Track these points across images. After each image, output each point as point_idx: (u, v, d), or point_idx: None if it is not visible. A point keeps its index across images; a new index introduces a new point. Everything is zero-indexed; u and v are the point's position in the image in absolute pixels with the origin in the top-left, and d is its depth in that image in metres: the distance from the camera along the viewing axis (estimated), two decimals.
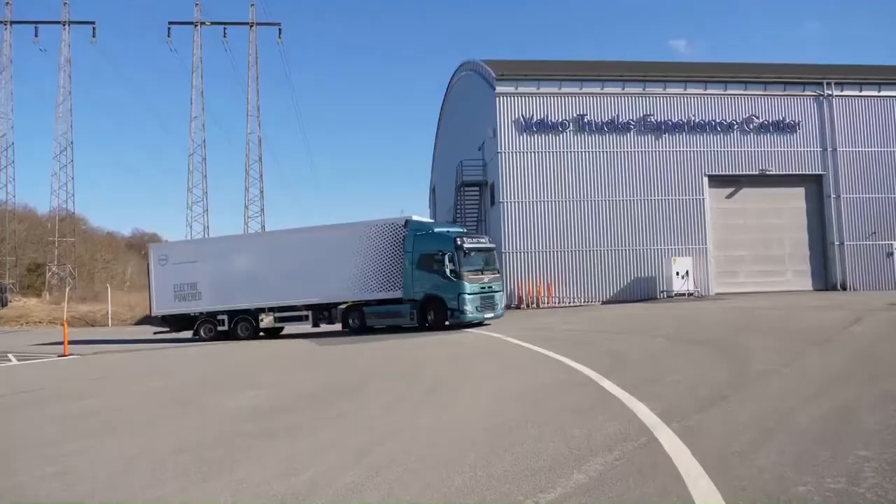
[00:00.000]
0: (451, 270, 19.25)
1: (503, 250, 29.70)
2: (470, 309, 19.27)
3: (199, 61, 55.74)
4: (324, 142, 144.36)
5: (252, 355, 16.84)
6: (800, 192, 32.05)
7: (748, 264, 31.49)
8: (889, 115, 32.19)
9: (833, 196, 31.58)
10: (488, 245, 21.27)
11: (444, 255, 19.38)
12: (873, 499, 4.19)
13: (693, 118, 31.05)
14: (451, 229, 21.83)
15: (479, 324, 19.82)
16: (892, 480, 4.48)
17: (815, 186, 31.99)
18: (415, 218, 21.28)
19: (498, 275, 21.16)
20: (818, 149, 31.76)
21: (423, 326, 19.91)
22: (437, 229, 21.36)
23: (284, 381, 11.59)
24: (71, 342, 19.01)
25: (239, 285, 21.64)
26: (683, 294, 28.74)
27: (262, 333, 21.95)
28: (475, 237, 21.73)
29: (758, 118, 31.38)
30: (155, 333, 22.88)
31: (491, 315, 20.01)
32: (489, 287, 20.13)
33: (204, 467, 5.81)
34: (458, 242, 19.50)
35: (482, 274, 20.00)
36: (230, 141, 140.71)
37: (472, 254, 19.92)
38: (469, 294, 19.28)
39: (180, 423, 7.87)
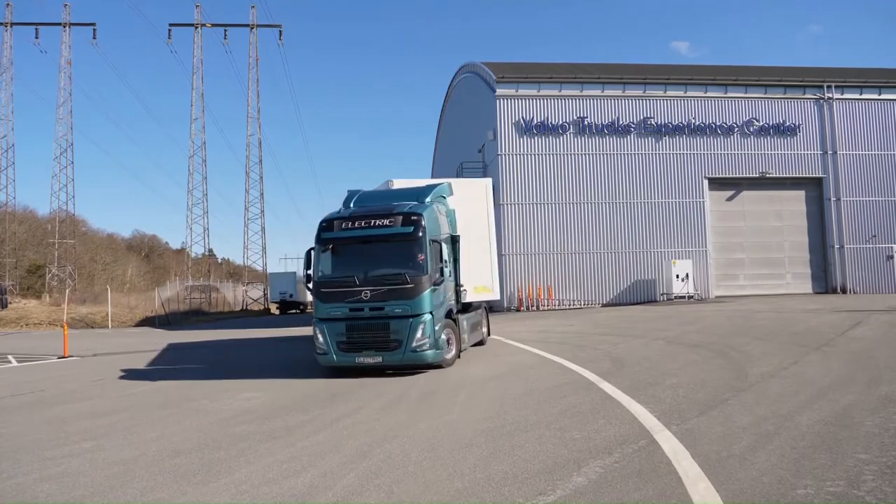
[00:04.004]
0: (307, 280, 11.90)
1: (503, 252, 29.72)
2: (323, 347, 11.09)
3: (200, 63, 55.88)
4: (324, 143, 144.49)
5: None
6: (800, 194, 32.07)
7: (748, 267, 31.49)
8: (889, 118, 32.21)
9: (833, 199, 31.59)
10: (387, 224, 11.18)
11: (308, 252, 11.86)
12: (873, 502, 4.19)
13: (693, 121, 31.07)
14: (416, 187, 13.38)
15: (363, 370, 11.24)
16: (891, 483, 4.48)
17: (815, 189, 32.00)
18: (395, 184, 14.22)
19: (418, 280, 10.84)
20: (818, 152, 31.78)
21: None
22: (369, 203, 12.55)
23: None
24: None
25: None
26: (683, 297, 28.73)
27: None
28: (366, 209, 11.93)
29: (758, 121, 31.40)
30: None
31: (372, 360, 10.87)
32: (376, 308, 10.87)
33: (203, 469, 5.80)
34: (323, 225, 11.51)
35: (360, 284, 10.90)
36: (230, 143, 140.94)
37: (344, 246, 11.45)
38: (322, 321, 11.17)
39: (179, 425, 7.86)
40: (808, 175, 31.66)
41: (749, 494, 4.41)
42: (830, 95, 31.88)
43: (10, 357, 18.79)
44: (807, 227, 31.93)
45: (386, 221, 11.21)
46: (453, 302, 12.37)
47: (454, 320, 12.07)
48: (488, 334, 15.83)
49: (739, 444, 5.61)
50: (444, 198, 13.11)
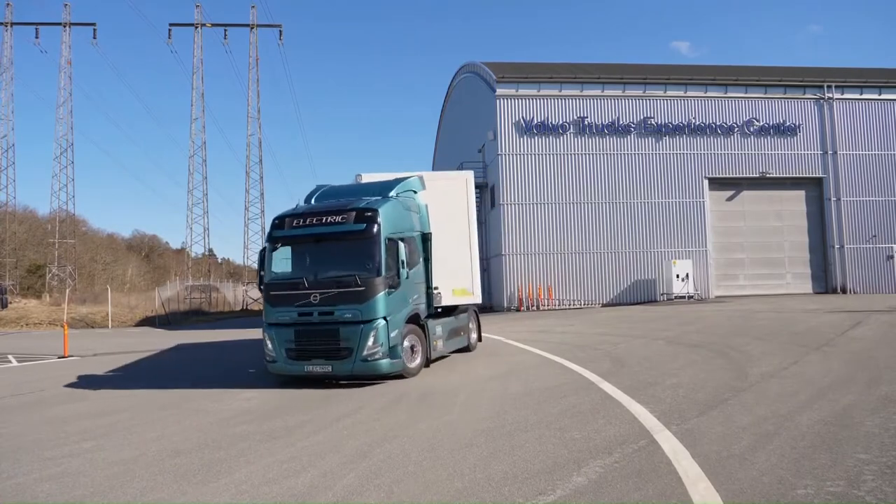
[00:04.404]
0: (259, 282, 11.09)
1: (503, 252, 29.72)
2: (272, 354, 10.47)
3: (200, 63, 55.87)
4: (324, 143, 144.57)
5: None
6: (800, 194, 32.08)
7: (748, 267, 31.50)
8: (889, 117, 32.22)
9: (833, 199, 31.59)
10: (340, 221, 10.31)
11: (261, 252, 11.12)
12: (873, 502, 4.19)
13: (693, 121, 31.08)
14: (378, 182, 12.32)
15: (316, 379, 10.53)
16: (891, 483, 4.48)
17: (815, 189, 32.00)
18: (365, 178, 13.16)
19: (370, 282, 9.97)
20: (818, 152, 31.78)
21: None
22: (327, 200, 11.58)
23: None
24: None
25: None
26: (683, 297, 28.73)
27: None
28: (322, 205, 11.15)
29: (758, 121, 31.41)
30: None
31: (321, 370, 10.08)
32: (325, 313, 10.08)
33: (203, 469, 5.81)
34: (275, 223, 10.86)
35: (310, 286, 10.12)
36: (230, 143, 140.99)
37: (295, 245, 10.73)
38: (271, 326, 10.50)
39: (179, 426, 7.86)
40: (808, 175, 31.67)
41: (749, 494, 4.41)
42: (830, 95, 31.89)
43: (10, 357, 18.80)
44: (807, 227, 31.94)
45: (338, 218, 10.31)
46: (423, 305, 11.48)
47: (422, 326, 11.15)
48: (479, 339, 14.73)
49: (739, 444, 5.61)
50: (415, 192, 12.12)
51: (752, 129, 31.37)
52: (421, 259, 11.54)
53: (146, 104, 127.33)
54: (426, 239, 11.82)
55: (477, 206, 37.53)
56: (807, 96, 31.98)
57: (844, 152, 31.74)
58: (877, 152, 31.97)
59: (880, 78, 33.36)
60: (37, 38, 52.87)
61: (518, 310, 28.90)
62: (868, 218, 31.60)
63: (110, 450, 6.74)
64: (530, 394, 8.65)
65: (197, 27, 55.69)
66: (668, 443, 5.75)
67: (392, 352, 10.11)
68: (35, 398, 10.80)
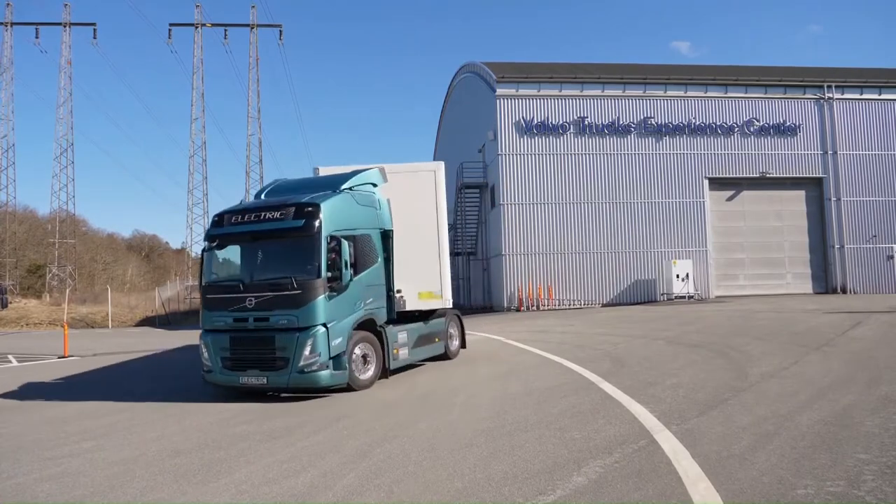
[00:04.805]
0: (200, 284, 10.36)
1: (503, 252, 29.72)
2: (208, 363, 9.68)
3: (200, 63, 55.84)
4: (324, 143, 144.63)
5: None
6: (800, 194, 32.07)
7: (748, 267, 31.49)
8: (890, 117, 32.20)
9: (833, 199, 31.58)
10: (278, 218, 9.48)
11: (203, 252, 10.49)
12: (873, 502, 4.18)
13: (694, 120, 31.07)
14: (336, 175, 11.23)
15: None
16: (892, 483, 4.48)
17: (815, 189, 32.00)
18: (322, 171, 12.44)
19: (308, 285, 9.13)
20: (819, 152, 31.77)
21: None
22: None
23: None
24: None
25: None
26: (683, 297, 28.72)
27: None
28: (264, 200, 10.55)
29: (758, 121, 31.40)
30: None
31: (257, 382, 9.24)
32: (261, 319, 9.30)
33: (203, 469, 5.81)
34: (214, 220, 10.19)
35: (245, 289, 9.39)
36: (231, 143, 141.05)
37: (232, 244, 10.07)
38: (207, 333, 9.78)
39: (179, 426, 7.86)
40: (808, 175, 31.66)
41: (749, 494, 4.41)
42: (830, 95, 31.88)
43: (10, 357, 18.81)
44: (807, 227, 31.93)
45: (277, 214, 9.46)
46: (381, 310, 10.44)
47: (378, 333, 10.19)
48: (462, 346, 13.55)
49: (739, 444, 5.61)
50: (375, 185, 11.04)
51: (752, 129, 31.37)
52: (380, 259, 10.53)
53: (146, 104, 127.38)
54: (387, 237, 10.81)
55: (476, 207, 37.71)
56: (807, 96, 31.97)
57: (844, 152, 31.74)
58: (877, 152, 31.97)
59: (880, 78, 33.35)
60: (37, 38, 52.89)
61: (518, 310, 28.90)
62: (868, 218, 31.60)
63: (110, 450, 6.74)
64: (530, 394, 8.65)
65: (197, 27, 55.67)
66: (668, 443, 5.75)
67: (335, 362, 9.17)
68: (35, 398, 10.79)
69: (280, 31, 58.56)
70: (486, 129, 31.84)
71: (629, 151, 30.73)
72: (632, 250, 30.23)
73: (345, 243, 9.37)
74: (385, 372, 10.24)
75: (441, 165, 12.58)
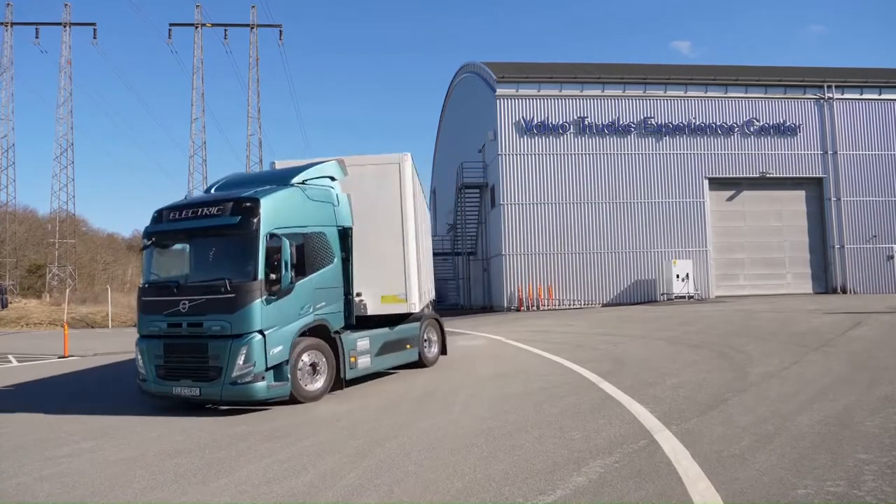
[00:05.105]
0: None
1: (503, 252, 29.72)
2: (143, 371, 8.99)
3: (200, 63, 55.78)
4: (324, 143, 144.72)
5: None
6: (800, 194, 32.07)
7: (748, 267, 31.50)
8: (890, 117, 32.21)
9: (833, 199, 31.59)
10: (215, 214, 8.79)
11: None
12: (873, 502, 4.19)
13: (694, 120, 31.07)
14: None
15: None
16: (892, 484, 4.48)
17: (815, 189, 32.00)
18: (278, 165, 11.58)
19: (242, 288, 8.38)
20: (819, 152, 31.78)
21: None
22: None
23: None
24: None
25: None
26: (683, 297, 28.73)
27: None
28: (202, 197, 9.77)
29: (758, 121, 31.40)
30: None
31: (190, 393, 8.56)
32: (194, 325, 8.59)
33: (203, 469, 5.81)
34: (154, 216, 9.43)
35: (180, 292, 8.68)
36: (231, 143, 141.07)
37: (170, 243, 9.45)
38: (143, 339, 9.08)
39: (179, 425, 7.86)
40: (808, 175, 31.66)
41: (749, 494, 4.41)
42: (831, 95, 31.88)
43: (10, 357, 18.80)
44: (807, 227, 31.94)
45: (214, 210, 8.73)
46: (336, 314, 9.61)
47: (333, 340, 9.36)
48: (441, 352, 12.61)
49: (739, 444, 5.61)
50: (333, 179, 10.19)
51: (752, 129, 31.37)
52: (336, 259, 9.67)
53: (146, 104, 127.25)
54: (345, 235, 9.95)
55: (476, 207, 37.67)
56: (807, 96, 31.98)
57: (844, 152, 31.74)
58: (877, 152, 31.97)
59: (880, 78, 33.35)
60: (37, 38, 52.80)
61: (518, 310, 28.90)
62: (868, 218, 31.60)
63: (110, 450, 6.74)
64: (530, 394, 8.65)
65: (197, 27, 55.64)
66: (669, 443, 5.75)
67: (276, 372, 8.45)
68: (35, 398, 10.79)
69: (280, 31, 58.58)
70: (486, 129, 31.85)
71: (629, 151, 30.73)
72: (632, 250, 30.24)
73: (285, 242, 8.52)
74: (340, 382, 9.40)
75: (407, 157, 11.11)
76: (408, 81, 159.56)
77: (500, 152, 30.16)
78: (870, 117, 32.16)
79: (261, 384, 8.26)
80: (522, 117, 30.21)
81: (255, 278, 8.32)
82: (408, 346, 11.39)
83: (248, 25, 57.38)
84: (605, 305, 29.59)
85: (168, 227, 9.11)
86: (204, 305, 8.42)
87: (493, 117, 30.44)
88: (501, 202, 30.09)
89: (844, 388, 7.89)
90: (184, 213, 9.01)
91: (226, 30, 56.92)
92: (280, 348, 8.46)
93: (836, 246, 31.36)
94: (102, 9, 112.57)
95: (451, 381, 10.31)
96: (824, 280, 31.68)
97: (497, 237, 30.80)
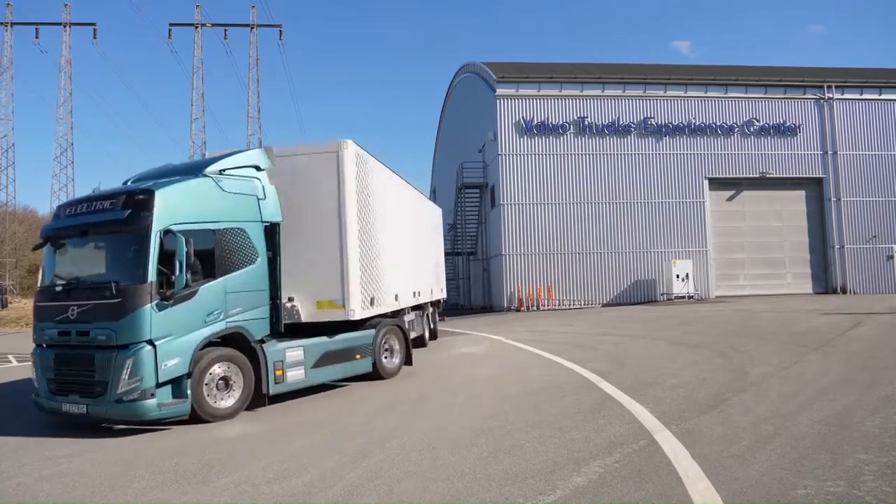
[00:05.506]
0: None
1: (503, 252, 29.72)
2: (36, 384, 8.19)
3: (200, 63, 55.81)
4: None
5: None
6: (800, 195, 32.08)
7: (748, 267, 31.50)
8: (890, 118, 32.22)
9: (833, 199, 31.59)
10: (106, 209, 7.84)
11: None
12: (873, 502, 4.19)
13: (694, 121, 31.08)
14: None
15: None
16: (892, 484, 4.48)
17: (815, 189, 32.01)
18: (209, 156, 10.87)
19: (129, 292, 7.36)
20: (819, 152, 31.78)
21: None
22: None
23: None
24: None
25: None
26: (683, 297, 28.73)
27: None
28: (101, 192, 8.50)
29: (758, 121, 31.40)
30: None
31: (77, 410, 7.56)
32: (83, 333, 7.62)
33: (203, 469, 5.80)
34: (55, 213, 8.86)
35: (70, 297, 7.83)
36: (231, 143, 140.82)
37: (64, 242, 8.39)
38: (37, 348, 8.26)
39: (179, 424, 7.85)
40: (808, 175, 31.67)
41: (749, 494, 4.41)
42: (831, 95, 31.88)
43: (10, 357, 18.80)
44: (807, 227, 31.95)
45: (106, 204, 7.78)
46: (259, 321, 8.61)
47: (254, 350, 8.36)
48: (405, 363, 11.38)
49: (739, 444, 5.61)
50: (258, 169, 9.09)
51: (752, 130, 31.37)
52: (259, 259, 8.63)
53: (146, 104, 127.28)
54: (272, 232, 8.99)
55: (476, 207, 37.68)
56: (807, 96, 31.98)
57: (844, 152, 31.74)
58: (877, 152, 31.97)
59: (880, 78, 33.35)
60: (37, 38, 52.82)
61: (518, 310, 28.90)
62: (868, 218, 31.60)
63: (110, 450, 6.74)
64: (530, 394, 8.65)
65: (197, 27, 55.65)
66: (668, 443, 5.75)
67: (174, 388, 7.48)
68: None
69: (280, 32, 58.81)
70: (486, 129, 31.84)
71: (629, 152, 30.73)
72: (632, 250, 30.24)
73: (181, 240, 7.43)
74: (263, 398, 8.40)
75: (347, 144, 9.67)
76: (408, 81, 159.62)
77: (500, 152, 30.16)
78: (870, 117, 32.17)
79: (150, 402, 7.24)
80: (522, 117, 30.21)
81: (144, 281, 7.31)
82: (358, 357, 10.06)
83: (248, 25, 57.41)
84: (605, 305, 29.59)
85: (62, 223, 8.22)
86: (90, 312, 7.51)
87: (493, 117, 30.44)
88: (501, 202, 30.09)
89: (844, 388, 7.89)
90: (78, 208, 8.09)
91: (226, 30, 56.95)
92: (177, 361, 7.43)
93: (836, 246, 31.36)
94: (102, 9, 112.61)
95: (451, 381, 10.31)
96: (824, 280, 31.69)
97: (497, 237, 30.80)
